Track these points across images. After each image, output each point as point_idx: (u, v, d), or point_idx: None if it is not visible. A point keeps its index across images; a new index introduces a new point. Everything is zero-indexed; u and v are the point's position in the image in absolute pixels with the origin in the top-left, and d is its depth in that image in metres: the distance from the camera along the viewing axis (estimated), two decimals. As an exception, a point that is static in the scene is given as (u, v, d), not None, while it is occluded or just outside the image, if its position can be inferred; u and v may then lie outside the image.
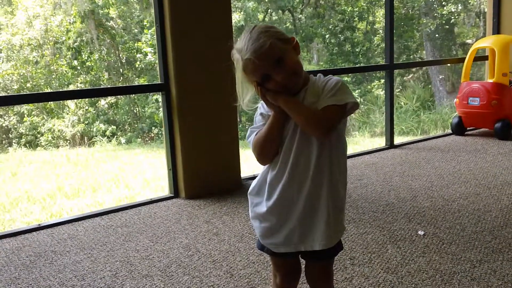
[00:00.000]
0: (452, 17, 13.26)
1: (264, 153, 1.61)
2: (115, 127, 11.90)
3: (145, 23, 12.13)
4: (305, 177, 1.56)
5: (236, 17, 12.28)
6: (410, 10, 13.59)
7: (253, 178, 4.16)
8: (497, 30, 6.26)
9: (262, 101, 1.61)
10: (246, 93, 1.62)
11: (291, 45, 1.57)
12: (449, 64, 12.70)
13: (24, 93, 11.30)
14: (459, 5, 13.06)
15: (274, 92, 1.55)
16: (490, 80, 5.58)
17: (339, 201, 1.62)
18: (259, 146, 1.60)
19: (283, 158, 1.58)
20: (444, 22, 13.41)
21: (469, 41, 14.05)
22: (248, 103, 1.64)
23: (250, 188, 1.69)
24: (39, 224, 3.38)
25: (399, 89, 12.94)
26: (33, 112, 11.79)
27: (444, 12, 13.18)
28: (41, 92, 10.63)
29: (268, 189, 1.61)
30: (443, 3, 13.11)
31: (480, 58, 6.39)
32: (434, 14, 13.50)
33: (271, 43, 1.50)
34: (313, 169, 1.55)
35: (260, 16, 13.77)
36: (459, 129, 5.78)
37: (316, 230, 1.58)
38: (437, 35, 13.68)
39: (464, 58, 5.87)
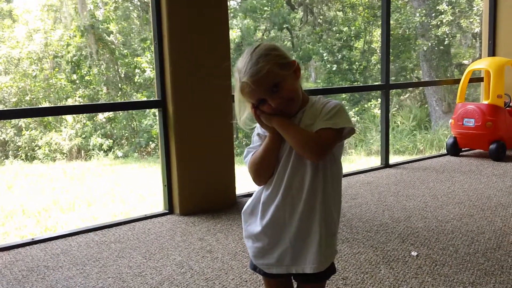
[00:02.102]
0: (447, 39, 13.36)
1: (259, 174, 1.60)
2: (112, 141, 11.91)
3: (144, 40, 12.20)
4: (298, 199, 1.55)
5: (233, 35, 12.38)
6: (407, 31, 13.71)
7: (248, 195, 4.19)
8: (492, 52, 6.34)
9: None
10: (243, 112, 1.61)
11: (291, 69, 1.54)
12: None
13: (23, 106, 11.37)
14: (453, 27, 13.18)
15: (268, 114, 1.55)
16: (485, 102, 5.62)
17: (332, 225, 1.60)
18: (255, 166, 1.60)
19: (277, 179, 1.57)
20: (437, 42, 13.51)
21: (465, 61, 14.17)
22: (245, 121, 1.63)
23: (245, 207, 1.69)
24: (33, 238, 3.37)
25: (395, 108, 13.00)
26: (30, 125, 11.79)
27: (438, 34, 13.28)
28: (40, 107, 10.64)
29: (262, 209, 1.61)
30: (438, 23, 13.23)
31: (476, 79, 6.45)
32: (430, 35, 13.62)
33: (268, 70, 1.48)
34: (307, 192, 1.54)
35: (259, 34, 13.88)
36: (454, 149, 5.81)
37: (308, 253, 1.57)
38: (433, 56, 13.80)
39: (460, 79, 5.92)
